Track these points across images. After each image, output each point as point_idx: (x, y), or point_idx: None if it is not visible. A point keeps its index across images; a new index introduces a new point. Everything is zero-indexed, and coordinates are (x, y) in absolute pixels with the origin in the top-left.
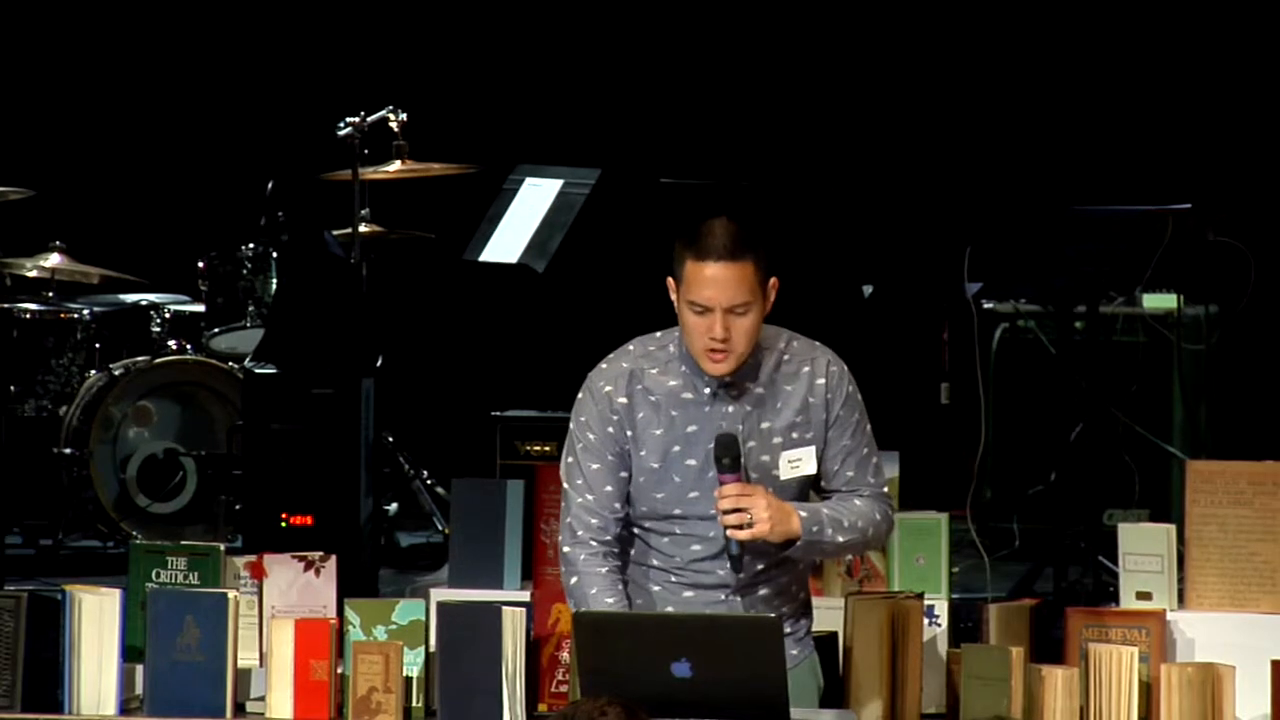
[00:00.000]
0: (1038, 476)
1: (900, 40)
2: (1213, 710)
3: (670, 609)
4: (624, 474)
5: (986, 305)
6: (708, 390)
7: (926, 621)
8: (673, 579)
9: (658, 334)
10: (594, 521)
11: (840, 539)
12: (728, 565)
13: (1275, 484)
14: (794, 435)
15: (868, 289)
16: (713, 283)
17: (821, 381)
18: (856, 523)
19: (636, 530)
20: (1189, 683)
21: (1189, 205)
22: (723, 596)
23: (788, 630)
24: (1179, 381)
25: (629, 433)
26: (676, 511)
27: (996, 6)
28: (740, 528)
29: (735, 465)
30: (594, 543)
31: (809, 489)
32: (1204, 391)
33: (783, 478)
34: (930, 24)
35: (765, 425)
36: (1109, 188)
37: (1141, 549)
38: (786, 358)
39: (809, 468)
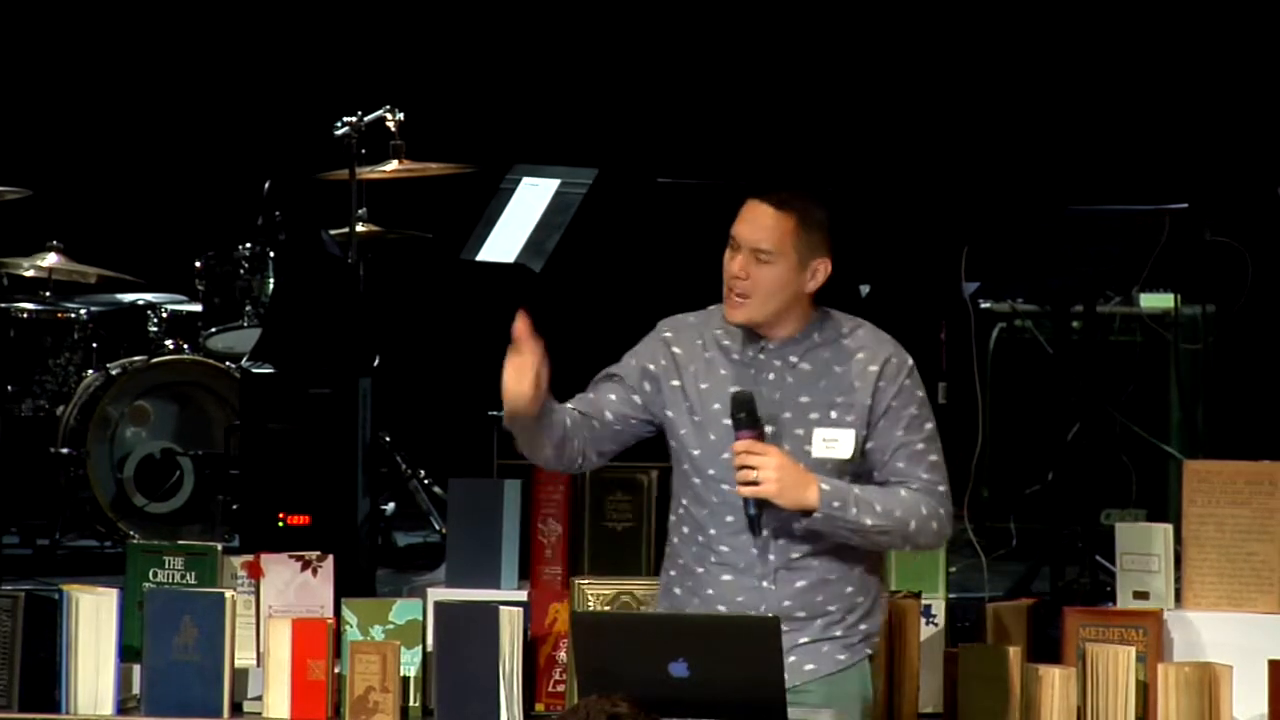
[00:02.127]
0: (1035, 476)
1: (898, 40)
2: (1210, 710)
3: (711, 590)
4: (636, 399)
5: (984, 305)
6: (754, 354)
7: (924, 621)
8: (712, 559)
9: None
10: (580, 407)
11: (868, 521)
12: (756, 547)
13: (1272, 484)
14: (832, 414)
15: (865, 288)
16: (748, 219)
17: (874, 369)
18: (893, 511)
19: (684, 511)
20: (1186, 682)
21: (1186, 205)
22: (758, 583)
23: (837, 634)
24: (1176, 381)
25: (674, 382)
26: (711, 472)
27: (994, 6)
28: (748, 485)
29: (751, 422)
30: (571, 410)
31: (853, 476)
32: (1201, 391)
33: (814, 454)
34: (928, 24)
35: (805, 399)
36: (1106, 187)
37: (1139, 549)
38: (847, 341)
39: (844, 451)
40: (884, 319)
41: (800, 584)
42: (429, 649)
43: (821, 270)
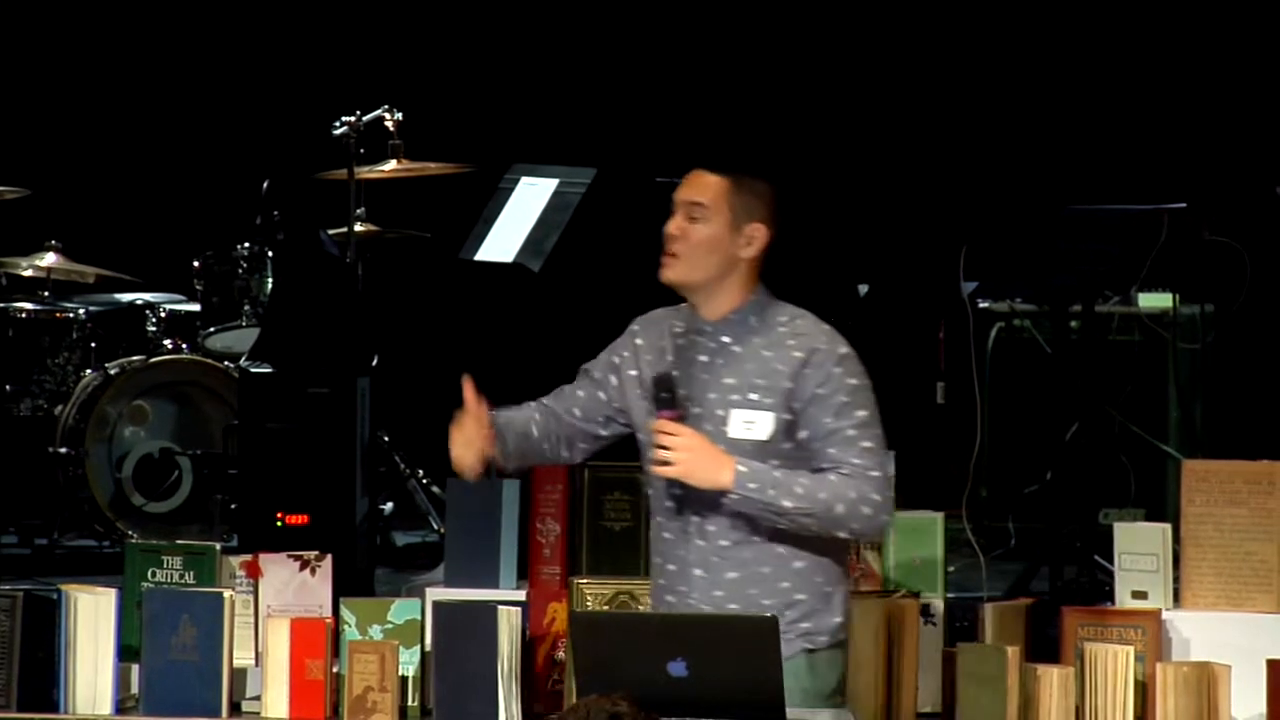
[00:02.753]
0: (1033, 476)
1: (896, 40)
2: (1208, 709)
3: (662, 580)
4: (601, 395)
5: (982, 304)
6: (694, 336)
7: (922, 621)
8: (661, 548)
9: None
10: (554, 403)
11: (787, 503)
12: (689, 534)
13: (1270, 483)
14: (752, 396)
15: (863, 288)
16: (686, 182)
17: (800, 355)
18: (817, 494)
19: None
20: (1184, 682)
21: (1184, 204)
22: (692, 571)
23: None
24: (1174, 381)
25: (632, 372)
26: (650, 454)
27: (993, 6)
28: (662, 465)
29: (671, 401)
30: (541, 407)
31: (776, 458)
32: (1199, 390)
33: (730, 434)
34: (926, 23)
35: (729, 380)
36: (1104, 187)
37: (1137, 548)
38: (782, 329)
39: (761, 433)
40: (883, 318)
41: (731, 575)
42: (427, 649)
43: (758, 237)
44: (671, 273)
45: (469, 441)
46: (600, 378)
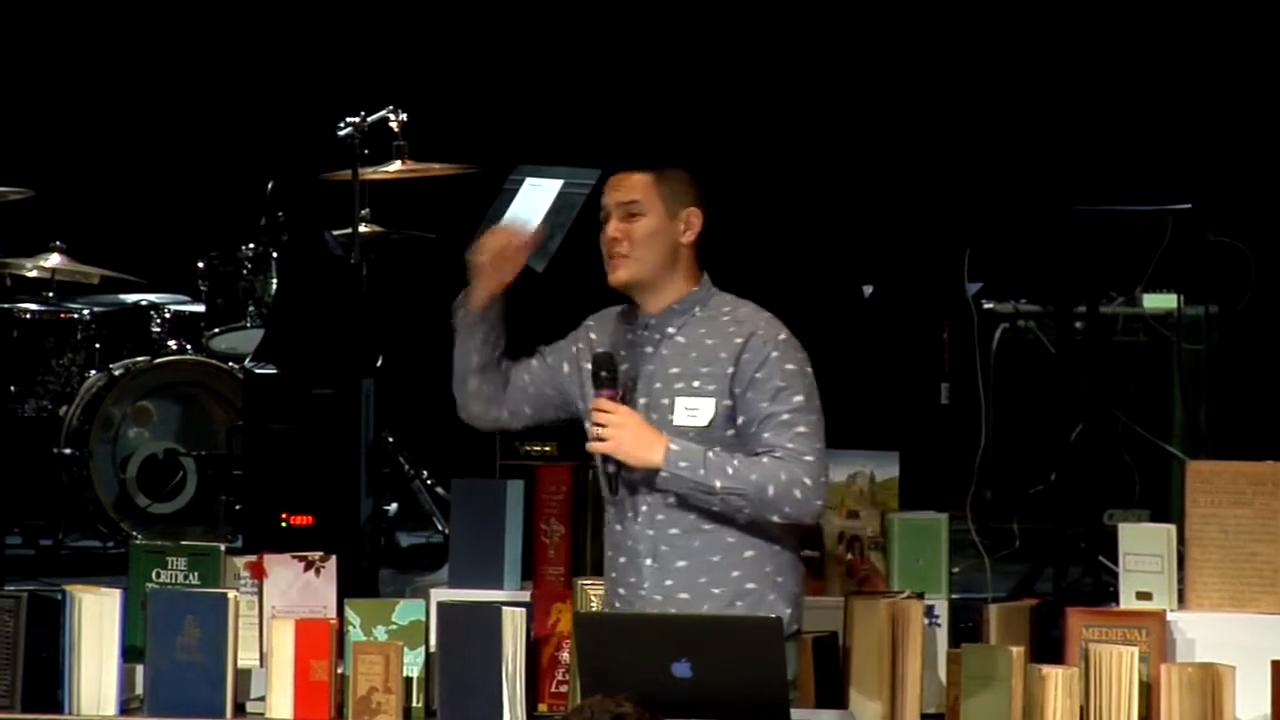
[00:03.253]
0: (1038, 476)
1: (901, 40)
2: (1213, 710)
3: (614, 573)
4: (549, 373)
5: (986, 305)
6: (640, 330)
7: (926, 622)
8: (611, 542)
9: None
10: (512, 363)
11: (717, 483)
12: (638, 525)
13: (1275, 484)
14: (695, 384)
15: (868, 289)
16: (609, 187)
17: (740, 340)
18: (749, 475)
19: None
20: (1189, 683)
21: (1189, 205)
22: (642, 561)
23: None
24: (1179, 381)
25: (585, 364)
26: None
27: (997, 6)
28: (597, 443)
29: (610, 381)
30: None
31: (718, 444)
32: (1204, 391)
33: (675, 422)
34: (931, 24)
35: (674, 370)
36: (1109, 188)
37: (1141, 549)
38: (725, 318)
39: (704, 419)
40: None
41: (681, 564)
42: (432, 649)
43: (695, 220)
44: (622, 273)
45: (496, 261)
46: (552, 362)
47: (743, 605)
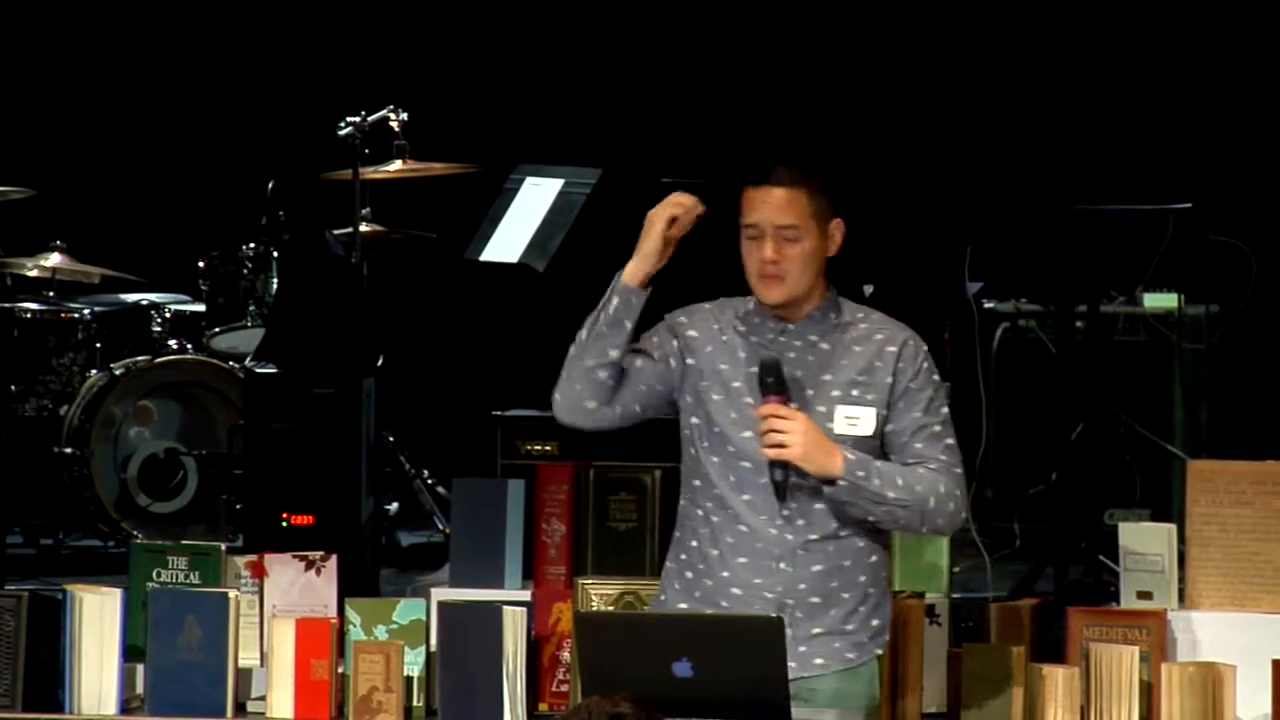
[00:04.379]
0: (1039, 476)
1: (901, 40)
2: (1213, 710)
3: (726, 573)
4: (659, 366)
5: (987, 305)
6: (774, 336)
7: (928, 621)
8: (729, 539)
9: (737, 298)
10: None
11: (890, 494)
12: (777, 527)
13: (1276, 484)
14: (854, 393)
15: (868, 288)
16: (762, 204)
17: (893, 349)
18: (914, 486)
19: (697, 499)
20: (1190, 682)
21: (1190, 205)
22: (775, 564)
23: (847, 627)
24: (1180, 381)
25: (690, 361)
26: (730, 449)
27: (998, 6)
28: (774, 448)
29: (780, 388)
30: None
31: (869, 453)
32: (1205, 391)
33: (837, 431)
34: (931, 23)
35: (826, 377)
36: (1110, 187)
37: (1142, 549)
38: (864, 325)
39: (866, 428)
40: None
41: (817, 568)
42: (432, 649)
43: (839, 231)
44: (779, 293)
45: (685, 212)
46: (659, 358)
47: (864, 610)
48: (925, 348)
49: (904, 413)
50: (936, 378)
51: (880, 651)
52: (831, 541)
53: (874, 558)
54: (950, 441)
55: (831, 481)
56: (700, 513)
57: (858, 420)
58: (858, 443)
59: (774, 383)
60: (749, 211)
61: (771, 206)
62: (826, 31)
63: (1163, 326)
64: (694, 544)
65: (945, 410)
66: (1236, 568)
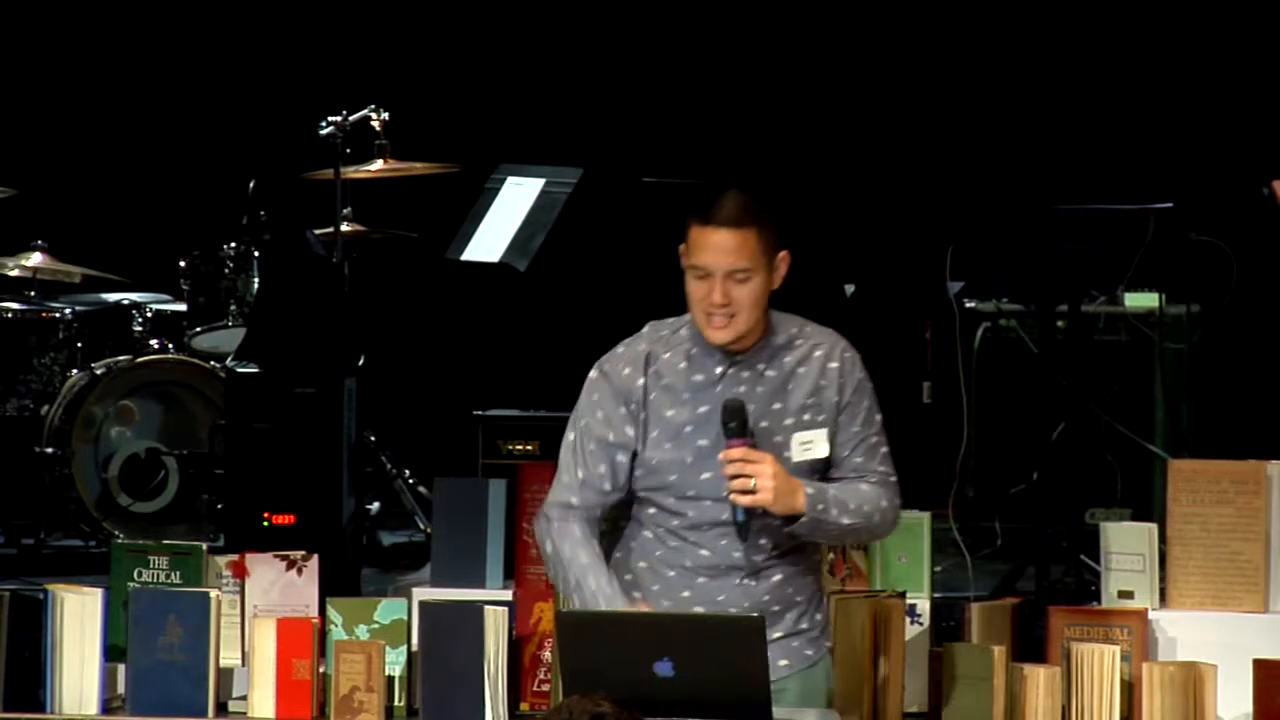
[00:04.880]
0: (1020, 475)
1: (883, 40)
2: (1194, 709)
3: (687, 593)
4: (620, 458)
5: (968, 304)
6: (718, 371)
7: (909, 621)
8: (688, 562)
9: (669, 319)
10: (574, 500)
11: (845, 520)
12: (741, 549)
13: (1257, 483)
14: (805, 417)
15: (849, 288)
16: (713, 247)
17: (835, 365)
18: (862, 506)
19: (646, 523)
20: (1171, 681)
21: (1171, 205)
22: (737, 581)
23: (802, 626)
24: (1161, 380)
25: (642, 415)
26: (690, 493)
27: (979, 6)
28: (744, 494)
29: (743, 430)
30: (584, 518)
31: (819, 474)
32: (1186, 390)
33: (794, 459)
34: (914, 23)
35: (777, 406)
36: (1091, 187)
37: (1123, 548)
38: (799, 341)
39: (821, 450)
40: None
41: (776, 578)
42: (414, 648)
43: (784, 263)
44: (728, 334)
45: None
46: (615, 440)
47: (813, 607)
48: (857, 354)
49: (845, 426)
50: (870, 384)
51: (829, 644)
52: (785, 554)
53: (816, 556)
54: (885, 450)
55: (795, 518)
56: (651, 535)
57: (812, 443)
58: (812, 465)
59: (737, 426)
60: (696, 252)
61: (721, 250)
62: (810, 32)
63: (1144, 326)
64: (643, 565)
65: (879, 417)
66: (1217, 567)
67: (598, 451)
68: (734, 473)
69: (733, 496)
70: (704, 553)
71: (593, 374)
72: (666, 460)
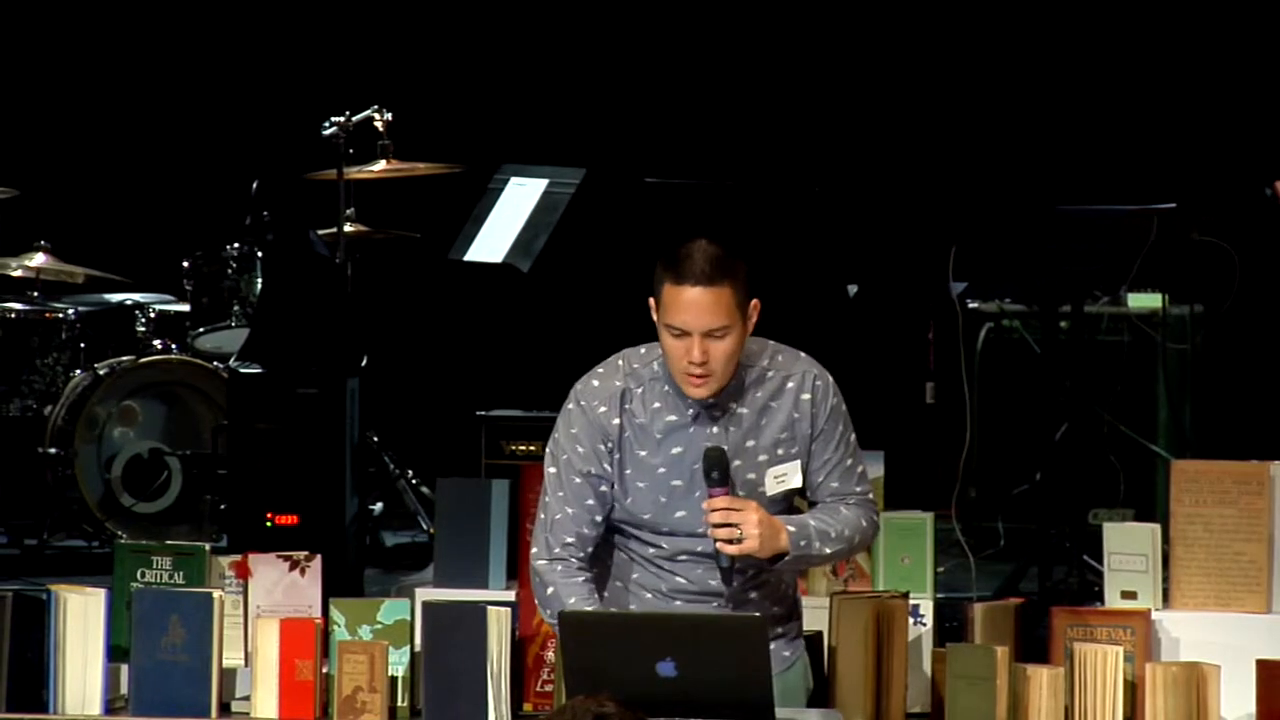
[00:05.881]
0: (1023, 476)
1: (886, 40)
2: (1197, 709)
3: (678, 603)
4: (604, 489)
5: (971, 305)
6: (690, 412)
7: (912, 621)
8: (664, 588)
9: (643, 349)
10: (569, 538)
11: (828, 550)
12: (718, 576)
13: (1260, 483)
14: (779, 451)
15: (853, 289)
16: (690, 307)
17: (806, 397)
18: (844, 531)
19: (622, 547)
20: (1174, 682)
21: (1174, 205)
22: (714, 605)
23: (779, 631)
24: (1164, 381)
25: (617, 455)
26: (665, 529)
27: (982, 6)
28: (730, 542)
29: (724, 479)
30: (571, 558)
31: (794, 499)
32: (1189, 391)
33: (769, 494)
34: (916, 24)
35: (750, 444)
36: (1094, 187)
37: (1126, 548)
38: (770, 374)
39: (794, 481)
40: (872, 319)
41: (754, 596)
42: (417, 649)
43: (755, 311)
44: (707, 390)
45: None
46: (596, 474)
47: (789, 611)
48: (830, 378)
49: (818, 453)
50: (843, 407)
51: (801, 642)
52: (766, 571)
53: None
54: (861, 469)
55: (779, 557)
56: (627, 558)
57: (785, 476)
58: (786, 496)
59: (719, 476)
60: (671, 312)
61: (697, 309)
62: (813, 32)
63: (1147, 326)
64: (619, 584)
65: (853, 437)
66: (1220, 567)
67: (583, 485)
68: (719, 521)
69: (719, 545)
70: (680, 580)
71: (570, 405)
72: (640, 499)
